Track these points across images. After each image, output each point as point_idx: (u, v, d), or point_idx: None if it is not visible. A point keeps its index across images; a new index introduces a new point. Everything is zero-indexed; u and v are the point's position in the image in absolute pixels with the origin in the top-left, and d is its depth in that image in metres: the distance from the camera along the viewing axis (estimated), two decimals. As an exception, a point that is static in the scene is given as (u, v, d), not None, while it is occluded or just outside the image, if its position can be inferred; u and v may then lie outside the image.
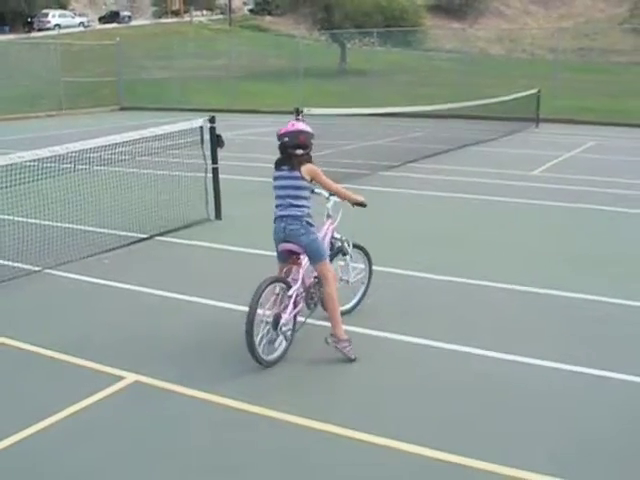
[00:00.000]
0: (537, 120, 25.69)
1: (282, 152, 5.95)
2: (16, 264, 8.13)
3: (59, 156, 8.62)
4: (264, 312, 5.54)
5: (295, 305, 5.81)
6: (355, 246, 6.69)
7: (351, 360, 5.79)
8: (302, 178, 5.82)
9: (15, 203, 8.83)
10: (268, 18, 69.91)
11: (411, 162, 16.53)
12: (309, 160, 5.93)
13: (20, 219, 8.95)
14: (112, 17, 67.17)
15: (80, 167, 9.55)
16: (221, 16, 72.74)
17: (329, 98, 32.07)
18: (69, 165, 9.13)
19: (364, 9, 46.73)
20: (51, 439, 4.63)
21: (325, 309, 6.02)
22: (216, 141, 10.57)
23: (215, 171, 10.69)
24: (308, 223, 5.85)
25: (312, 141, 6.02)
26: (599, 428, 4.79)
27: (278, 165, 5.97)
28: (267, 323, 5.56)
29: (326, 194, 6.33)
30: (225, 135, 10.75)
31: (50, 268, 8.21)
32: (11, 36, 52.04)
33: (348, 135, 20.21)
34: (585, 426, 4.82)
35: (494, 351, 5.94)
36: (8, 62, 36.34)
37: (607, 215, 11.28)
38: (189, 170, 11.23)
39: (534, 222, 10.81)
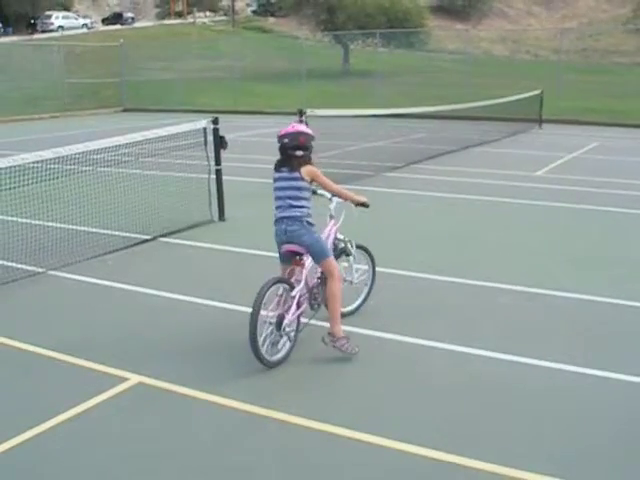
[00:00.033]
0: (540, 121, 25.65)
1: (282, 153, 5.97)
2: (20, 265, 8.14)
3: (63, 157, 8.63)
4: (267, 313, 5.54)
5: (298, 306, 5.82)
6: (358, 247, 6.68)
7: (352, 354, 5.80)
8: (302, 179, 5.84)
9: (19, 204, 8.84)
10: (271, 19, 69.94)
11: (415, 163, 16.52)
12: (309, 161, 5.94)
13: (24, 220, 8.95)
14: (115, 18, 67.23)
15: (84, 168, 9.56)
16: (224, 17, 72.78)
17: (332, 99, 32.07)
18: (73, 166, 9.13)
19: (367, 10, 46.73)
20: (56, 440, 4.64)
21: (326, 305, 6.01)
22: (219, 142, 10.57)
23: (218, 172, 10.70)
24: (308, 223, 5.86)
25: (313, 143, 6.04)
26: (600, 429, 4.78)
27: (278, 167, 5.98)
28: (270, 324, 5.56)
29: (328, 195, 6.33)
30: (228, 136, 10.75)
31: (54, 269, 8.22)
32: (14, 38, 52.16)
33: (351, 136, 20.20)
34: (586, 427, 4.81)
35: (496, 352, 5.94)
36: (12, 64, 36.49)
37: (611, 216, 11.25)
38: (192, 171, 11.23)
39: (537, 223, 10.80)
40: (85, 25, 61.56)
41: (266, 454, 4.49)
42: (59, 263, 8.36)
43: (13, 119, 29.81)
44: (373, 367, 5.76)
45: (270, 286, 5.52)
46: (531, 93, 25.26)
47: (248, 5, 79.26)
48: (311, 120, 11.90)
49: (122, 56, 39.90)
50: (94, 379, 5.50)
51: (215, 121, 10.57)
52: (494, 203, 12.24)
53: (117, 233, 9.57)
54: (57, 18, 59.31)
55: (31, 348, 6.07)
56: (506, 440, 4.63)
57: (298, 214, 5.82)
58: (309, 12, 50.59)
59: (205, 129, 10.53)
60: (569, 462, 4.38)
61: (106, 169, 10.78)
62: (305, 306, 6.01)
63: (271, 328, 5.57)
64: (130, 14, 69.62)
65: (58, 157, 8.51)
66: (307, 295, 6.02)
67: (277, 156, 6.02)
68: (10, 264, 8.13)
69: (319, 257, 5.92)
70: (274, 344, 5.66)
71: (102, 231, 9.60)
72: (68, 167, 9.06)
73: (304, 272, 5.95)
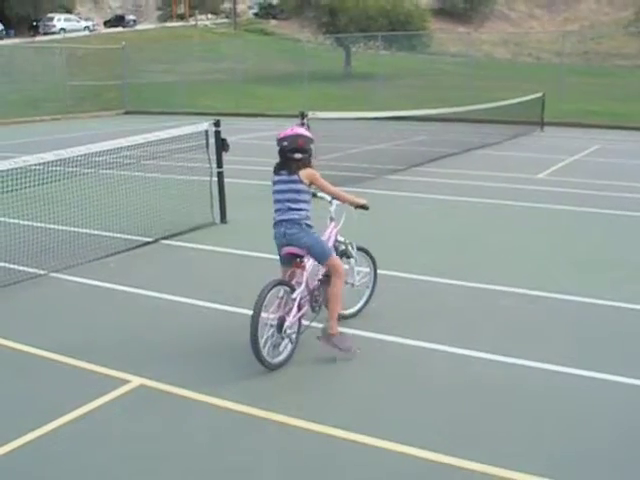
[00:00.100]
0: (542, 124, 25.65)
1: (281, 156, 5.98)
2: (22, 267, 8.15)
3: (64, 160, 8.64)
4: (268, 315, 5.55)
5: (299, 308, 5.82)
6: (359, 249, 6.68)
7: (346, 352, 5.84)
8: (301, 182, 5.85)
9: (21, 207, 8.86)
10: (273, 22, 70.01)
11: (416, 166, 16.52)
12: (308, 164, 5.96)
13: (26, 223, 8.97)
14: (117, 21, 67.33)
15: (85, 171, 9.57)
16: (226, 20, 72.84)
17: (334, 102, 32.12)
18: (74, 169, 9.14)
19: (369, 13, 46.76)
20: (57, 442, 4.64)
21: (327, 301, 6.01)
22: (221, 145, 10.58)
23: (220, 175, 10.70)
24: (307, 225, 5.88)
25: (315, 145, 6.06)
26: (599, 431, 4.78)
27: (277, 170, 6.00)
28: (272, 326, 5.57)
29: (328, 198, 6.33)
30: (230, 139, 10.76)
31: (56, 271, 8.23)
32: (16, 40, 52.21)
33: (353, 139, 20.21)
34: (585, 429, 4.81)
35: (497, 354, 5.94)
36: (13, 66, 36.55)
37: (612, 219, 11.25)
38: (194, 174, 11.25)
39: (539, 226, 10.79)
40: (87, 27, 61.66)
41: (265, 456, 4.49)
42: (61, 265, 8.37)
43: (15, 121, 29.85)
44: (374, 369, 5.76)
45: (271, 288, 5.52)
46: (533, 96, 25.26)
47: (250, 8, 79.38)
48: (313, 123, 11.92)
49: (124, 58, 39.95)
50: (96, 381, 5.51)
51: (217, 124, 10.57)
52: (496, 206, 12.24)
53: (119, 235, 9.58)
54: (59, 20, 59.37)
55: (33, 350, 6.07)
56: (506, 442, 4.63)
57: (297, 217, 5.83)
58: (311, 15, 50.64)
59: (207, 132, 10.54)
60: (568, 464, 4.38)
61: (108, 171, 10.80)
62: (306, 308, 6.01)
63: (272, 330, 5.58)
64: (132, 16, 69.65)
65: (60, 159, 8.51)
66: (308, 297, 6.03)
67: (278, 159, 6.03)
68: (12, 266, 8.14)
69: (321, 257, 5.94)
70: (275, 346, 5.66)
71: (104, 233, 9.61)
72: (70, 169, 9.08)
73: (305, 274, 5.95)
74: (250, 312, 5.41)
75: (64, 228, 9.25)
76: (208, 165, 10.54)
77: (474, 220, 11.19)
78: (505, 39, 60.02)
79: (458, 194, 13.01)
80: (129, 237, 9.56)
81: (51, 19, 59.16)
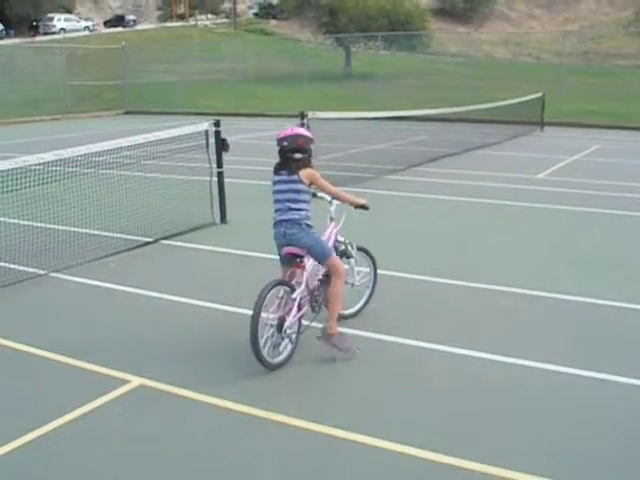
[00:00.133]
0: (542, 124, 25.65)
1: (281, 156, 5.99)
2: (22, 267, 8.16)
3: (64, 160, 8.64)
4: (268, 315, 5.55)
5: (299, 308, 5.82)
6: (359, 249, 6.68)
7: (346, 352, 5.87)
8: (301, 182, 5.86)
9: (21, 207, 8.86)
10: (273, 22, 70.01)
11: (416, 166, 16.52)
12: (308, 164, 5.97)
13: (26, 223, 8.97)
14: (117, 21, 67.32)
15: (85, 171, 9.57)
16: (226, 20, 72.85)
17: (334, 102, 32.12)
18: (74, 169, 9.14)
19: (369, 13, 46.76)
20: (57, 442, 4.64)
21: (327, 301, 6.02)
22: (221, 145, 10.58)
23: (220, 175, 10.70)
24: (307, 225, 5.88)
25: (315, 145, 6.07)
26: (599, 432, 4.78)
27: (277, 170, 6.00)
28: (271, 326, 5.57)
29: (328, 198, 6.34)
30: (230, 139, 10.76)
31: (56, 271, 8.23)
32: (16, 40, 52.22)
33: (353, 139, 20.20)
34: (585, 429, 4.81)
35: (497, 354, 5.94)
36: (13, 66, 36.55)
37: (612, 219, 11.25)
38: (194, 174, 11.25)
39: (539, 226, 10.79)
40: (87, 27, 61.67)
41: (265, 456, 4.50)
42: (61, 265, 8.37)
43: (15, 121, 29.86)
44: (374, 369, 5.76)
45: (271, 288, 5.52)
46: (533, 96, 25.26)
47: (250, 8, 79.38)
48: (313, 123, 11.92)
49: (124, 58, 39.96)
50: (96, 381, 5.51)
51: (217, 123, 10.57)
52: (496, 206, 12.24)
53: (119, 235, 9.58)
54: (59, 20, 59.37)
55: (33, 350, 6.07)
56: (506, 442, 4.63)
57: (297, 217, 5.84)
58: (311, 15, 50.65)
59: (207, 131, 10.54)
60: (568, 464, 4.39)
61: (108, 171, 10.81)
62: (306, 308, 6.01)
63: (272, 330, 5.58)
64: (132, 16, 69.66)
65: (60, 159, 8.51)
66: (308, 297, 6.03)
67: (278, 159, 6.04)
68: (12, 266, 8.14)
69: (321, 257, 5.95)
70: (275, 346, 5.66)
71: (104, 233, 9.61)
72: (70, 169, 9.08)
73: (305, 274, 5.95)
74: (250, 312, 5.41)
75: (64, 228, 9.25)
76: (208, 165, 10.54)
77: (474, 220, 11.19)
78: (505, 39, 60.02)
79: (458, 194, 13.02)
80: (129, 237, 9.56)
81: (51, 19, 59.15)
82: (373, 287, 6.96)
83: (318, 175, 5.99)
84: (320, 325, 6.16)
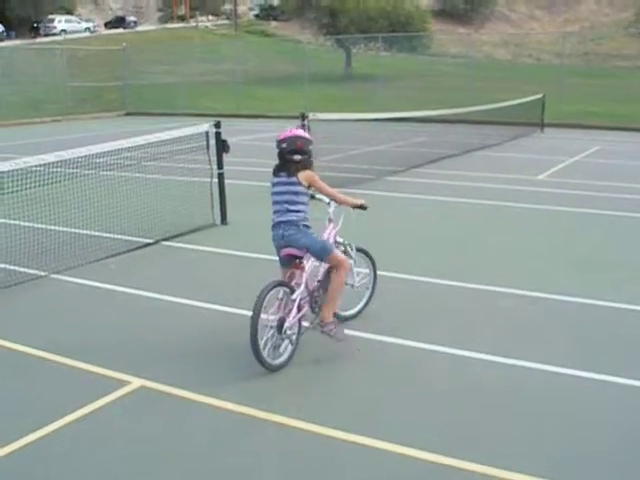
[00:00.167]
0: (542, 125, 25.65)
1: (280, 158, 6.01)
2: (22, 269, 8.16)
3: (65, 161, 8.65)
4: (268, 317, 5.56)
5: (299, 309, 5.83)
6: (359, 250, 6.68)
7: (339, 340, 5.95)
8: (299, 184, 5.88)
9: (22, 208, 8.86)
10: (274, 23, 70.03)
11: (416, 167, 16.53)
12: (308, 166, 5.99)
13: (26, 224, 8.98)
14: (118, 22, 67.31)
15: (86, 172, 9.58)
16: (227, 21, 72.85)
17: (334, 103, 32.16)
18: (75, 170, 9.15)
19: (369, 14, 46.77)
20: (59, 443, 4.65)
21: (327, 291, 6.05)
22: (222, 146, 10.59)
23: (221, 176, 10.71)
24: (305, 226, 5.90)
25: (312, 147, 6.11)
26: (600, 433, 4.79)
27: (276, 171, 6.03)
28: (271, 327, 5.58)
29: (326, 199, 6.35)
30: (231, 140, 10.77)
31: (56, 273, 8.24)
32: (17, 41, 52.26)
33: (353, 140, 20.22)
34: (585, 431, 4.82)
35: (497, 356, 5.95)
36: (14, 67, 36.51)
37: (612, 220, 11.26)
38: (195, 175, 11.25)
39: (539, 227, 10.80)
40: (88, 29, 61.72)
41: (265, 457, 4.50)
42: (61, 266, 8.38)
43: (16, 122, 29.86)
44: (374, 370, 5.77)
45: (270, 289, 5.53)
46: (533, 97, 25.27)
47: (250, 9, 79.40)
48: (313, 124, 11.93)
49: (125, 60, 39.97)
50: (96, 382, 5.51)
51: (217, 125, 10.57)
52: (496, 207, 12.25)
53: (119, 237, 9.59)
54: (60, 22, 59.40)
55: (33, 351, 6.08)
56: (506, 443, 4.64)
57: (294, 218, 5.86)
58: (311, 16, 50.64)
59: (207, 133, 10.55)
60: (568, 465, 4.39)
61: (109, 173, 10.82)
62: (306, 309, 6.02)
63: (272, 332, 5.58)
64: (132, 18, 69.68)
65: (61, 161, 8.52)
66: (308, 298, 6.04)
67: (278, 160, 6.05)
68: (13, 267, 8.15)
69: (322, 255, 5.98)
70: (276, 347, 5.67)
71: (104, 235, 9.62)
72: (71, 171, 9.08)
73: (304, 275, 5.97)
74: (250, 313, 5.42)
75: (65, 229, 9.27)
76: (209, 166, 10.54)
77: (474, 221, 11.20)
78: (505, 40, 60.02)
79: (458, 195, 13.02)
80: (130, 238, 9.56)
81: (52, 20, 59.16)
82: (373, 288, 6.96)
83: (317, 177, 6.02)
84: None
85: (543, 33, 63.43)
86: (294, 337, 5.79)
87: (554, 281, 7.95)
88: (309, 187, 5.96)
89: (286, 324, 5.63)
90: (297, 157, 5.92)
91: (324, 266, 6.17)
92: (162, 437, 4.75)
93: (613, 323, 6.79)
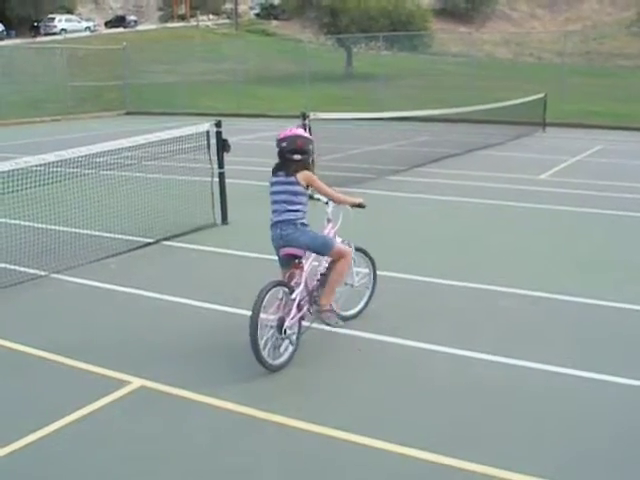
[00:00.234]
0: (544, 124, 25.62)
1: (280, 157, 6.01)
2: (23, 268, 8.16)
3: (65, 160, 8.63)
4: (268, 316, 5.55)
5: (299, 309, 5.82)
6: (358, 250, 6.67)
7: (335, 326, 6.14)
8: (298, 184, 5.88)
9: (22, 208, 8.85)
10: (274, 22, 70.00)
11: (418, 166, 16.51)
12: (306, 167, 6.00)
13: (27, 223, 8.97)
14: (118, 21, 67.31)
15: (86, 172, 9.57)
16: (227, 20, 72.84)
17: (335, 102, 32.14)
18: (75, 169, 9.14)
19: (370, 13, 46.71)
20: (59, 443, 4.64)
21: (327, 279, 6.09)
22: (222, 145, 10.57)
23: (221, 175, 10.69)
24: (302, 224, 5.90)
25: (312, 147, 6.13)
26: (600, 432, 4.78)
27: (275, 171, 6.04)
28: (271, 327, 5.57)
29: (324, 199, 6.35)
30: (231, 139, 10.75)
31: (57, 272, 8.23)
32: (17, 41, 52.24)
33: (355, 139, 20.21)
34: (586, 430, 4.81)
35: (497, 355, 5.94)
36: (14, 67, 36.52)
37: (614, 219, 11.24)
38: (195, 174, 11.24)
39: (541, 226, 10.78)
40: (88, 28, 61.71)
41: (265, 457, 4.49)
42: (62, 266, 8.37)
43: (15, 122, 29.86)
44: (374, 370, 5.76)
45: (269, 289, 5.52)
46: (535, 96, 25.22)
47: (251, 8, 79.38)
48: (314, 123, 11.92)
49: (125, 59, 39.97)
50: (96, 382, 5.51)
51: (218, 124, 10.56)
52: (498, 206, 12.23)
53: (120, 236, 9.58)
54: (60, 21, 59.39)
55: (33, 351, 6.08)
56: (506, 443, 4.63)
57: (292, 217, 5.87)
58: (312, 15, 50.62)
59: (208, 132, 10.54)
60: (569, 465, 4.38)
61: (109, 172, 10.81)
62: (306, 309, 6.01)
63: (272, 331, 5.57)
64: (133, 17, 69.65)
65: (61, 160, 8.51)
66: (307, 298, 6.03)
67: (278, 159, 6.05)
68: (13, 267, 8.15)
69: (324, 249, 6.02)
70: (276, 347, 5.65)
71: (105, 234, 9.61)
72: (71, 170, 9.07)
73: (304, 275, 5.96)
74: (250, 313, 5.40)
75: (65, 229, 9.26)
76: (209, 166, 10.53)
77: (476, 221, 11.18)
78: (507, 39, 59.94)
79: (460, 195, 13.00)
80: (130, 238, 9.55)
81: (52, 20, 59.14)
82: (373, 288, 6.95)
83: (315, 177, 6.03)
84: (320, 326, 6.19)
85: (544, 32, 63.34)
86: (294, 337, 5.78)
87: (556, 281, 7.93)
88: (308, 187, 5.96)
89: (286, 324, 5.62)
90: (297, 156, 5.91)
91: (326, 260, 6.18)
92: (162, 437, 4.74)
93: (614, 323, 6.78)
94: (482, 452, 4.48)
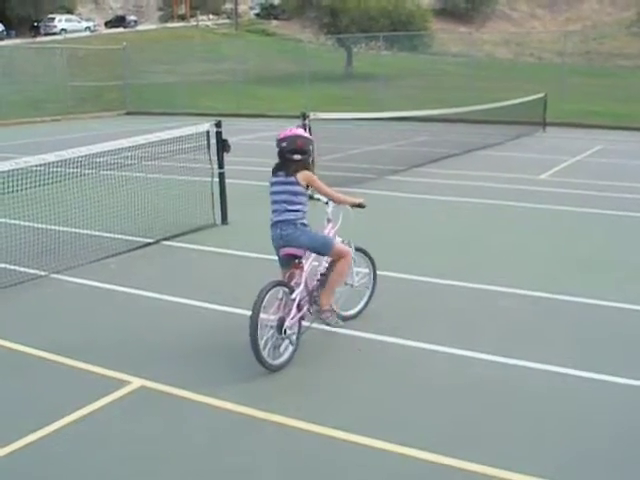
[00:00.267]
0: (544, 124, 25.61)
1: (280, 157, 6.01)
2: (23, 269, 8.15)
3: (65, 160, 8.63)
4: (268, 316, 5.55)
5: (299, 309, 5.82)
6: (358, 250, 6.67)
7: (335, 327, 6.19)
8: (298, 184, 5.88)
9: (22, 208, 8.85)
10: (274, 22, 69.98)
11: (418, 166, 16.51)
12: (306, 167, 6.00)
13: (27, 223, 8.97)
14: (118, 21, 67.28)
15: (86, 172, 9.57)
16: (227, 20, 72.81)
17: (335, 102, 32.13)
18: (75, 169, 9.13)
19: (370, 13, 46.68)
20: (59, 443, 4.64)
21: (327, 278, 6.10)
22: (222, 146, 10.57)
23: (221, 175, 10.69)
24: (302, 224, 5.90)
25: (312, 147, 6.13)
26: (601, 432, 4.78)
27: (275, 171, 6.04)
28: (271, 327, 5.57)
29: (324, 199, 6.35)
30: (231, 140, 10.75)
31: (56, 272, 8.22)
32: (17, 41, 52.20)
33: (354, 139, 20.21)
34: (586, 430, 4.81)
35: (498, 355, 5.94)
36: (14, 67, 36.52)
37: (614, 219, 11.23)
38: (195, 175, 11.23)
39: (541, 226, 10.78)
40: (88, 28, 61.67)
41: (264, 457, 4.49)
42: (62, 266, 8.37)
43: (16, 122, 29.84)
44: (374, 370, 5.75)
45: (269, 289, 5.52)
46: (535, 96, 25.21)
47: (251, 8, 79.37)
48: (314, 123, 11.92)
49: (125, 59, 39.96)
50: (96, 382, 5.50)
51: (218, 124, 10.56)
52: (497, 206, 12.23)
53: (120, 236, 9.58)
54: (60, 21, 59.35)
55: (33, 351, 6.07)
56: (506, 444, 4.63)
57: (292, 217, 5.87)
58: (312, 15, 50.58)
59: (208, 132, 10.54)
60: (569, 465, 4.38)
61: (109, 172, 10.79)
62: (306, 309, 6.01)
63: (272, 332, 5.57)
64: (133, 17, 69.61)
65: (61, 160, 8.51)
66: (307, 298, 6.03)
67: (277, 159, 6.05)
68: (13, 267, 8.14)
69: (324, 249, 6.04)
70: (276, 347, 5.65)
71: (105, 234, 9.61)
72: (71, 170, 9.07)
73: (304, 275, 5.96)
74: (250, 313, 5.40)
75: (65, 229, 9.26)
76: (209, 166, 10.53)
77: (476, 221, 11.18)
78: (507, 39, 59.93)
79: (460, 195, 13.00)
80: (130, 238, 9.55)
81: (52, 20, 59.09)
82: (373, 288, 6.94)
83: (315, 177, 6.03)
84: (320, 326, 6.19)
85: (544, 32, 63.33)
86: (294, 337, 5.77)
87: (556, 281, 7.93)
88: (307, 187, 5.96)
89: (286, 324, 5.62)
90: (297, 156, 5.92)
91: (326, 260, 6.18)
92: (162, 437, 4.74)
93: (614, 323, 6.78)
94: (482, 452, 4.48)
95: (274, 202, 5.97)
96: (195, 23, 69.19)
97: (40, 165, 8.41)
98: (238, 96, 36.10)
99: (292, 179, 5.87)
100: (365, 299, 6.89)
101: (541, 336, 6.43)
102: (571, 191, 13.58)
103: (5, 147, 19.38)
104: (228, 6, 76.93)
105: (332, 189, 6.30)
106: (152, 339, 6.41)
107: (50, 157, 8.30)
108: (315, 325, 6.22)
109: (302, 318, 5.91)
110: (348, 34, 44.56)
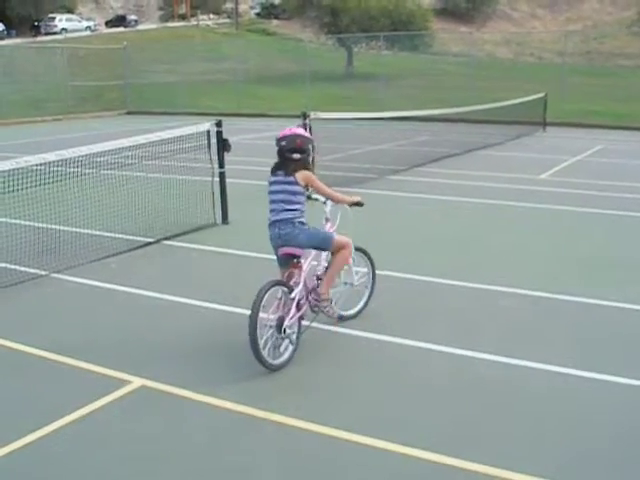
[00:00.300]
0: (544, 124, 25.61)
1: (280, 156, 6.01)
2: (23, 268, 8.15)
3: (66, 160, 8.63)
4: (268, 316, 5.55)
5: (298, 308, 5.82)
6: (357, 249, 6.66)
7: (333, 318, 6.23)
8: (297, 184, 5.88)
9: (22, 207, 8.85)
10: (275, 22, 69.98)
11: (418, 166, 16.50)
12: (305, 166, 6.00)
13: (27, 223, 8.97)
14: (119, 21, 67.28)
15: (87, 171, 9.57)
16: (228, 20, 72.81)
17: (336, 102, 32.12)
18: (76, 169, 9.13)
19: (371, 13, 46.68)
20: (59, 443, 4.64)
21: (327, 267, 6.16)
22: (223, 145, 10.57)
23: (222, 175, 10.69)
24: (300, 223, 5.89)
25: (312, 146, 6.15)
26: (601, 432, 4.77)
27: (274, 170, 6.04)
28: (271, 327, 5.57)
29: (322, 199, 6.35)
30: (232, 139, 10.75)
31: (57, 272, 8.22)
32: (18, 40, 52.21)
33: (355, 139, 20.21)
34: (587, 430, 4.80)
35: (498, 355, 5.93)
36: (15, 66, 36.54)
37: (615, 219, 11.23)
38: (196, 174, 11.23)
39: (541, 226, 10.77)
40: (88, 27, 61.66)
41: (265, 456, 4.49)
42: (62, 266, 8.37)
43: (16, 122, 29.85)
44: (374, 370, 5.75)
45: (268, 289, 5.52)
46: (535, 96, 25.20)
47: (252, 8, 79.35)
48: (314, 123, 11.91)
49: (125, 59, 39.96)
50: (96, 382, 5.50)
51: (218, 124, 10.56)
52: (498, 206, 12.22)
53: (120, 236, 9.58)
54: (60, 20, 59.34)
55: (33, 351, 6.07)
56: (507, 443, 4.62)
57: (290, 216, 5.87)
58: (313, 15, 50.60)
59: (208, 132, 10.54)
60: (570, 465, 4.38)
61: (109, 172, 10.79)
62: (305, 308, 6.01)
63: (272, 331, 5.57)
64: (133, 16, 69.58)
65: (61, 160, 8.51)
66: (306, 297, 6.03)
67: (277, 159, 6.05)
68: (13, 267, 8.14)
69: (325, 245, 6.08)
70: (276, 347, 5.65)
71: (105, 234, 9.61)
72: (72, 170, 9.07)
73: (303, 274, 5.96)
74: (249, 312, 5.40)
75: (65, 228, 9.25)
76: (210, 165, 10.53)
77: (476, 221, 11.17)
78: (507, 39, 59.92)
79: (460, 194, 13.00)
80: (130, 237, 9.55)
81: (52, 19, 59.09)
82: (372, 287, 6.94)
83: (314, 177, 6.03)
84: (320, 326, 6.18)
85: (545, 32, 63.29)
86: (294, 337, 5.77)
87: (556, 280, 7.93)
88: (306, 187, 5.96)
89: (285, 323, 5.62)
90: (296, 156, 5.91)
91: (325, 260, 6.20)
92: (161, 437, 4.73)
93: (615, 323, 6.77)
94: (483, 452, 4.47)
95: (272, 201, 5.97)
96: (196, 23, 69.19)
97: (41, 164, 8.41)
98: (239, 96, 36.10)
99: (291, 179, 5.86)
100: (364, 299, 6.88)
101: (541, 336, 6.42)
102: (571, 191, 13.57)
103: (6, 146, 19.38)
104: (229, 5, 76.92)
105: (331, 189, 6.31)
106: (152, 338, 6.41)
107: (51, 156, 8.30)
108: (315, 324, 6.22)
109: (302, 317, 5.91)
110: (349, 34, 44.56)
